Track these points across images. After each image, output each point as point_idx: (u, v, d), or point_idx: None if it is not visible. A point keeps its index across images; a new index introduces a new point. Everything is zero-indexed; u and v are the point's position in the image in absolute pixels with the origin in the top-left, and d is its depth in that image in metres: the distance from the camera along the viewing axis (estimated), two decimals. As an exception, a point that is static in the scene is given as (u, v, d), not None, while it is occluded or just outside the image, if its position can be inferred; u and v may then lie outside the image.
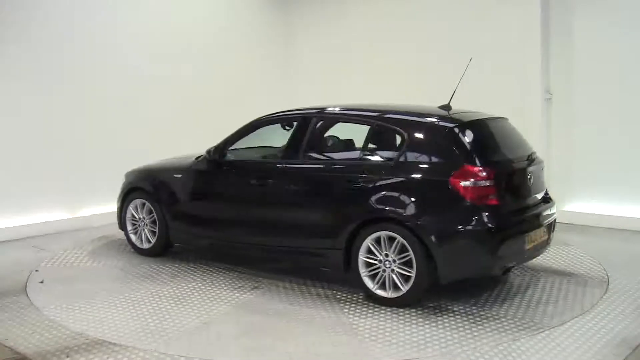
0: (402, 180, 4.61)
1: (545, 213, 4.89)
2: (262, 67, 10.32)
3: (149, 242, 6.25)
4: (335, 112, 5.51)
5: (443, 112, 5.10)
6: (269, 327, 4.26)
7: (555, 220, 5.13)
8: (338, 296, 4.90)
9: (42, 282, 5.43)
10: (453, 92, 5.46)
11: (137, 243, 6.36)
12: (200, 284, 5.29)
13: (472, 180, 4.36)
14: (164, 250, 6.25)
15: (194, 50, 9.23)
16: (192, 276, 5.55)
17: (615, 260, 5.76)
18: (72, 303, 4.81)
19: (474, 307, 4.58)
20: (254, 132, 5.74)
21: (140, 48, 8.53)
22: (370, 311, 4.55)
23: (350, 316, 4.46)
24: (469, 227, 4.34)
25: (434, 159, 4.64)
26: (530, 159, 4.96)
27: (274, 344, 3.97)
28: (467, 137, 4.64)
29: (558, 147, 7.78)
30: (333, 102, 6.00)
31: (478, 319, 4.35)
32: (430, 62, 8.99)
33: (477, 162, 4.42)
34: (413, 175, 4.60)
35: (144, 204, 6.26)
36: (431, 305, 4.62)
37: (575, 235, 6.98)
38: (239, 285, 5.26)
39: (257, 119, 5.76)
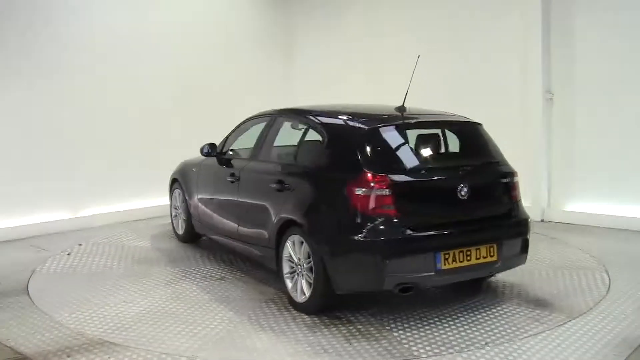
0: (310, 184, 4.56)
1: (490, 232, 4.38)
2: (262, 67, 10.33)
3: (181, 229, 6.88)
4: (282, 113, 5.51)
5: (378, 115, 4.78)
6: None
7: (524, 240, 4.56)
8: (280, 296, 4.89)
9: (69, 253, 5.90)
10: (406, 92, 5.08)
11: (176, 229, 7.04)
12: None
13: (366, 188, 4.07)
14: (194, 238, 6.74)
15: (194, 50, 9.23)
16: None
17: (615, 260, 5.75)
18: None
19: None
20: (247, 130, 5.97)
21: (140, 48, 8.54)
22: (280, 313, 4.54)
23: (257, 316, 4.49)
24: (358, 238, 4.05)
25: (339, 164, 4.41)
26: (468, 170, 4.43)
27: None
28: (374, 143, 4.34)
29: (558, 147, 7.78)
30: (332, 102, 6.02)
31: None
32: (430, 62, 8.98)
33: (375, 169, 4.13)
34: (320, 179, 4.50)
35: (180, 194, 6.86)
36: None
37: (575, 235, 6.98)
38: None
39: (246, 119, 6.07)
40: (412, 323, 4.30)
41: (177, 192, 6.94)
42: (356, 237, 4.06)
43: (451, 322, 4.30)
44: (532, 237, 6.49)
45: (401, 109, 4.90)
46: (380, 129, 4.46)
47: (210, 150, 6.06)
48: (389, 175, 4.13)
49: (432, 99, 8.94)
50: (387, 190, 4.07)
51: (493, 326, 4.20)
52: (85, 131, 7.97)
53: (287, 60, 10.64)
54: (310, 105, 5.59)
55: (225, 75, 9.61)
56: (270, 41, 10.49)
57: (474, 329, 4.17)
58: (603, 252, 6.06)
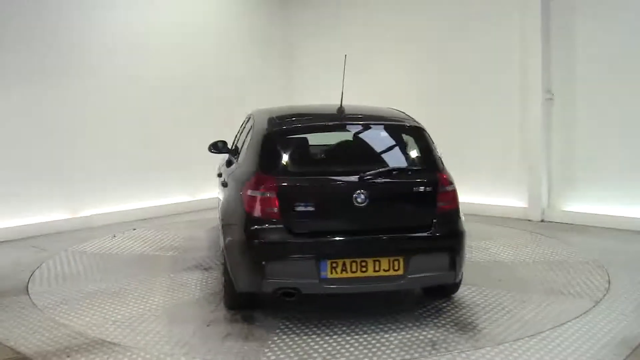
0: (231, 184, 4.66)
1: (395, 244, 4.12)
2: (262, 67, 10.33)
3: None
4: (251, 115, 5.46)
5: (294, 117, 4.80)
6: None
7: (451, 255, 4.19)
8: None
9: (114, 236, 6.09)
10: (341, 93, 4.98)
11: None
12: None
13: (254, 190, 4.09)
14: None
15: (194, 51, 9.25)
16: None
17: (615, 260, 5.76)
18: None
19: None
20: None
21: (140, 49, 8.55)
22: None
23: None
24: (244, 239, 4.08)
25: (248, 165, 4.44)
26: (369, 176, 4.15)
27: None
28: (272, 145, 4.32)
29: (558, 147, 7.78)
30: (332, 102, 6.02)
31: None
32: (430, 62, 9.00)
33: (267, 171, 4.15)
34: (235, 179, 4.58)
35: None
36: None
37: (575, 235, 6.98)
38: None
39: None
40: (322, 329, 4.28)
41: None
42: (242, 238, 4.08)
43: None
44: (532, 237, 6.51)
45: (340, 109, 4.78)
46: (281, 132, 4.46)
47: (223, 147, 5.83)
48: (278, 178, 4.11)
49: (432, 99, 8.97)
50: (272, 193, 4.04)
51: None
52: (86, 131, 7.98)
53: (287, 60, 10.64)
54: (280, 106, 5.54)
55: (225, 76, 9.62)
56: (270, 41, 10.50)
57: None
58: (603, 252, 6.06)
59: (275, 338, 4.04)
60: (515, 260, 5.90)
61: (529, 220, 7.87)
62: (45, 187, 7.57)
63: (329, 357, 3.73)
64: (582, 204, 7.60)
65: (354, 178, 4.12)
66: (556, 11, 7.66)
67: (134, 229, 7.64)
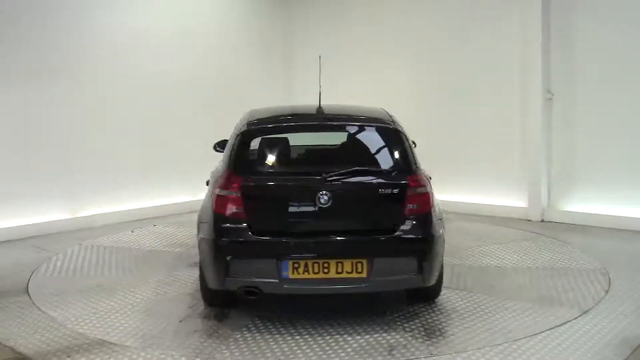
0: (210, 181, 4.64)
1: (358, 246, 4.09)
2: (262, 67, 10.33)
3: None
4: None
5: (268, 117, 4.75)
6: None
7: (419, 259, 4.09)
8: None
9: (132, 231, 6.11)
10: (319, 93, 4.95)
11: None
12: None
13: (221, 188, 4.17)
14: None
15: (194, 51, 9.24)
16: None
17: (615, 260, 5.76)
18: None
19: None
20: None
21: (141, 50, 8.54)
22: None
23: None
24: (209, 237, 4.14)
25: (222, 163, 4.50)
26: (333, 177, 4.11)
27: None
28: (243, 145, 4.38)
29: (558, 147, 7.78)
30: (331, 102, 6.02)
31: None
32: (431, 62, 9.00)
33: (236, 171, 4.22)
34: (212, 177, 4.57)
35: None
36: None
37: (575, 235, 6.98)
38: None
39: None
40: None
41: None
42: (209, 236, 4.14)
43: (421, 328, 4.22)
44: (531, 237, 6.50)
45: (319, 110, 4.80)
46: (252, 132, 4.48)
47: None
48: (245, 178, 4.16)
49: (432, 99, 8.97)
50: (237, 192, 4.10)
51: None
52: (86, 131, 7.97)
53: (287, 60, 10.64)
54: (269, 106, 5.50)
55: (225, 76, 9.62)
56: (271, 41, 10.49)
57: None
58: (603, 252, 6.07)
59: (239, 336, 4.08)
60: (511, 264, 5.80)
61: (529, 220, 7.87)
62: (45, 187, 7.56)
63: (282, 357, 3.75)
64: (582, 204, 7.61)
65: (318, 179, 4.11)
66: (556, 11, 7.66)
67: (154, 225, 7.75)
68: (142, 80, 8.54)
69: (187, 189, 9.02)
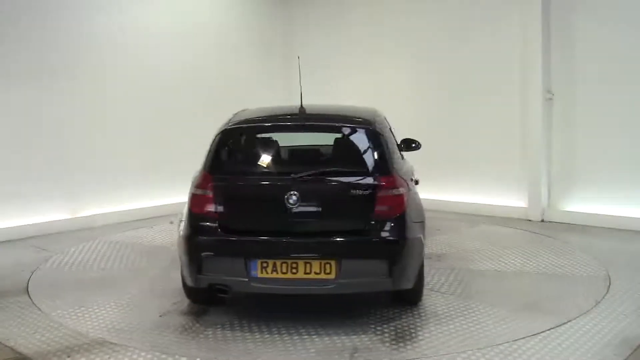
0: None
1: (326, 247, 4.06)
2: (262, 67, 10.33)
3: None
4: None
5: (248, 118, 4.79)
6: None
7: (390, 262, 4.05)
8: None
9: (171, 222, 6.07)
10: (300, 93, 5.02)
11: None
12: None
13: (196, 188, 4.30)
14: None
15: (194, 51, 9.24)
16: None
17: (615, 261, 5.76)
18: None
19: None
20: None
21: (141, 50, 8.55)
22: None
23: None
24: (184, 234, 4.25)
25: (202, 163, 4.56)
26: (302, 178, 4.14)
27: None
28: (220, 145, 4.47)
29: (558, 147, 7.78)
30: (331, 101, 6.03)
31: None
32: (430, 62, 9.00)
33: (211, 170, 4.33)
34: (194, 177, 4.61)
35: None
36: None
37: (575, 235, 6.98)
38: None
39: None
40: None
41: None
42: (184, 234, 4.23)
43: (392, 331, 4.18)
44: (530, 239, 6.49)
45: (301, 110, 4.79)
46: (229, 133, 4.56)
47: None
48: (218, 177, 4.26)
49: (432, 99, 8.97)
50: (210, 191, 4.19)
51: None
52: (86, 131, 7.97)
53: (287, 60, 10.64)
54: (257, 107, 5.52)
55: (225, 76, 9.62)
56: (271, 41, 10.49)
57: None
58: (603, 252, 6.06)
59: (210, 333, 4.15)
60: (507, 267, 5.67)
61: (529, 220, 7.87)
62: (45, 187, 7.56)
63: (242, 356, 3.77)
64: (582, 204, 7.60)
65: (287, 179, 4.16)
66: (556, 11, 7.66)
67: (171, 222, 7.72)
68: (142, 80, 8.54)
69: (187, 189, 9.00)
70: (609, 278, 5.21)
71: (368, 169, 4.29)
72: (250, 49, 10.13)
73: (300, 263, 4.00)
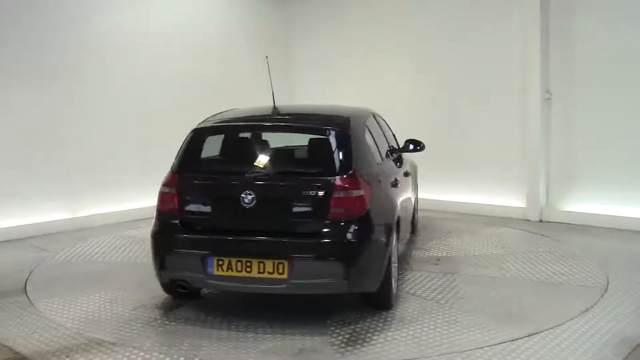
0: None
1: (279, 247, 4.06)
2: (262, 67, 10.30)
3: None
4: None
5: (224, 118, 4.98)
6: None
7: (345, 265, 4.01)
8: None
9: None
10: (272, 93, 5.25)
11: None
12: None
13: (163, 185, 4.43)
14: None
15: (194, 51, 9.24)
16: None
17: (615, 260, 5.76)
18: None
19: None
20: None
21: (140, 50, 8.54)
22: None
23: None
24: (151, 231, 4.43)
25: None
26: (258, 178, 4.28)
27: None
28: (190, 144, 4.60)
29: (557, 147, 7.78)
30: (330, 102, 6.03)
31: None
32: (430, 62, 9.00)
33: (179, 169, 4.46)
34: None
35: None
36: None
37: (575, 235, 6.98)
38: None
39: None
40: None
41: None
42: (151, 231, 4.42)
43: (352, 334, 4.08)
44: (530, 237, 6.46)
45: (274, 109, 4.97)
46: (199, 132, 4.67)
47: None
48: (181, 176, 4.40)
49: (432, 99, 8.97)
50: (173, 189, 4.34)
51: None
52: (85, 131, 7.97)
53: (287, 60, 10.64)
54: (243, 108, 5.72)
55: (225, 76, 9.61)
56: (271, 42, 10.47)
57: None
58: (602, 252, 6.06)
59: (170, 327, 4.27)
60: (503, 274, 5.45)
61: (528, 220, 7.86)
62: (45, 187, 7.56)
63: (190, 355, 3.80)
64: (581, 204, 7.60)
65: (243, 179, 4.26)
66: (556, 11, 7.66)
67: None
68: (142, 80, 8.54)
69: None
70: (608, 278, 5.20)
71: (328, 170, 4.20)
72: (249, 49, 10.12)
73: (254, 262, 4.06)
